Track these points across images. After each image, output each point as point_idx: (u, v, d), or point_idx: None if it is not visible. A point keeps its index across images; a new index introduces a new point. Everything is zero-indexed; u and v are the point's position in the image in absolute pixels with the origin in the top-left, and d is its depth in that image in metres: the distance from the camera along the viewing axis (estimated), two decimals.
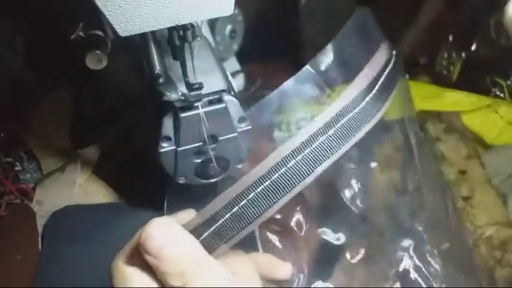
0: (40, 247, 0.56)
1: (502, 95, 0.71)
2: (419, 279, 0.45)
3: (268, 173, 0.28)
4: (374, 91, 0.32)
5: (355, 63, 0.37)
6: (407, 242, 0.47)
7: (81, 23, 0.44)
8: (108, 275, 0.29)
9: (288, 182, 0.28)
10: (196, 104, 0.39)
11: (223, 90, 0.42)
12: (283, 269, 0.38)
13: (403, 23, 0.74)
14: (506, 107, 0.67)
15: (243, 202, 0.28)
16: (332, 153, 0.29)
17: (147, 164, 0.45)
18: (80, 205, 0.59)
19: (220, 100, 0.41)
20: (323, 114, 0.30)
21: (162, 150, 0.42)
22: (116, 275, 0.29)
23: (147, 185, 0.41)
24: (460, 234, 0.54)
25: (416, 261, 0.46)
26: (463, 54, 0.73)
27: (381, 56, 0.36)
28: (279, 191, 0.28)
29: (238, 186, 0.29)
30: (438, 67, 0.77)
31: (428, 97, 0.69)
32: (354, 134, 0.30)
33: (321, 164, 0.28)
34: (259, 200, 0.28)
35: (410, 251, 0.46)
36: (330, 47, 0.39)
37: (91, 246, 0.53)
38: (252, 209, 0.28)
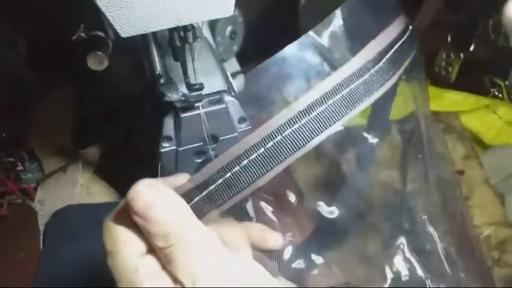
0: (41, 246, 0.56)
1: (500, 95, 0.71)
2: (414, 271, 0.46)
3: (262, 141, 0.27)
4: (380, 64, 0.30)
5: (363, 34, 0.34)
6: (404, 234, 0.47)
7: (82, 23, 0.44)
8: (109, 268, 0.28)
9: (282, 151, 0.27)
10: (196, 105, 0.40)
11: (223, 91, 0.42)
12: (274, 240, 0.38)
13: None
14: (504, 107, 0.68)
15: (236, 168, 0.27)
16: (330, 125, 0.28)
17: (148, 163, 0.46)
18: (81, 204, 0.59)
19: (220, 100, 0.41)
20: (323, 83, 0.29)
21: (162, 150, 0.43)
22: (105, 234, 0.28)
23: None
24: (465, 231, 0.54)
25: (411, 255, 0.46)
26: (462, 55, 0.73)
27: (394, 29, 0.33)
28: (273, 159, 0.27)
29: (232, 152, 0.28)
30: (437, 68, 0.77)
31: None
32: (354, 107, 0.28)
33: (317, 135, 0.27)
34: (253, 167, 0.27)
35: (405, 246, 0.46)
36: (337, 13, 0.38)
37: (92, 245, 0.53)
38: (245, 176, 0.27)
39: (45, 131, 0.66)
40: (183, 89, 0.39)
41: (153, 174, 0.47)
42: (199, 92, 0.38)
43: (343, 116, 0.28)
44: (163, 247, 0.26)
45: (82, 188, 0.61)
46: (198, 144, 0.43)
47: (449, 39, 0.75)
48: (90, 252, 0.53)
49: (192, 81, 0.39)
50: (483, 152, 0.67)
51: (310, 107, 0.27)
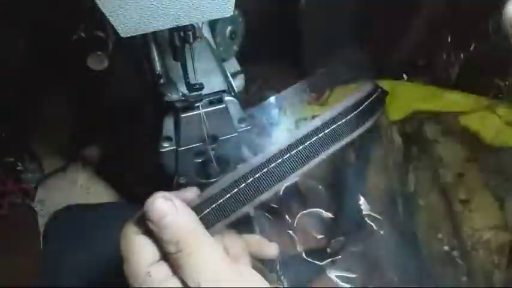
0: (42, 246, 0.56)
1: (500, 95, 0.71)
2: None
3: (265, 163, 0.32)
4: (348, 117, 0.37)
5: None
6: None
7: (82, 23, 0.44)
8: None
9: (282, 171, 0.32)
10: (196, 105, 0.40)
11: (223, 91, 0.42)
12: (270, 249, 0.41)
13: (403, 23, 0.74)
14: (504, 107, 0.67)
15: (242, 185, 0.32)
16: (318, 154, 0.34)
17: (148, 163, 0.46)
18: (81, 204, 0.59)
19: (220, 100, 0.41)
20: (317, 118, 0.35)
21: (162, 150, 0.43)
22: (122, 241, 0.31)
23: (148, 185, 0.41)
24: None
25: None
26: (462, 55, 0.73)
27: (364, 89, 0.41)
28: (274, 178, 0.32)
29: (239, 171, 0.32)
30: (437, 68, 0.77)
31: (427, 98, 0.69)
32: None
33: (310, 161, 0.33)
34: (257, 184, 0.32)
35: None
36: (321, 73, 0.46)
37: (92, 245, 0.53)
38: (249, 192, 0.32)
39: (45, 131, 0.66)
40: (183, 89, 0.39)
41: (153, 174, 0.47)
42: (199, 92, 0.38)
43: (327, 149, 0.34)
44: (174, 252, 0.29)
45: (82, 188, 0.61)
46: (198, 144, 0.43)
47: (449, 39, 0.75)
48: (89, 252, 0.53)
49: (192, 81, 0.39)
50: (483, 153, 0.67)
51: (306, 136, 0.34)
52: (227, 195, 0.32)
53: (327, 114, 0.36)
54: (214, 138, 0.43)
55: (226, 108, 0.41)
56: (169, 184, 0.46)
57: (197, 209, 0.32)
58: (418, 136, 0.65)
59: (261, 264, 0.41)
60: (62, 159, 0.65)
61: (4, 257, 0.55)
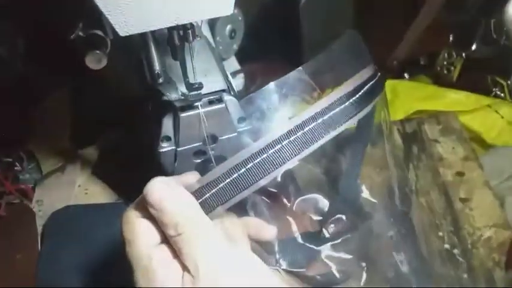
0: (39, 246, 0.56)
1: (502, 94, 0.71)
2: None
3: (264, 148, 0.33)
4: (347, 103, 0.37)
5: (341, 74, 0.43)
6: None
7: (81, 22, 0.43)
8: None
9: (282, 157, 0.33)
10: (196, 104, 0.40)
11: (223, 90, 0.42)
12: (268, 231, 0.41)
13: (404, 23, 0.74)
14: (506, 106, 0.67)
15: (242, 170, 0.32)
16: (317, 140, 0.35)
17: (147, 164, 0.45)
18: (80, 205, 0.59)
19: (220, 100, 0.41)
20: (316, 104, 0.36)
21: (162, 150, 0.43)
22: (124, 224, 0.31)
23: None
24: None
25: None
26: (464, 54, 0.73)
27: (363, 75, 0.41)
28: (273, 163, 0.33)
29: (239, 157, 0.33)
30: (438, 67, 0.77)
31: (428, 97, 0.69)
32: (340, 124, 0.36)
33: (309, 146, 0.34)
34: (256, 169, 0.32)
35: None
36: (321, 57, 0.46)
37: (90, 246, 0.53)
38: (249, 177, 0.32)
39: (43, 131, 0.66)
40: (182, 89, 0.39)
41: (152, 175, 0.46)
42: (199, 92, 0.38)
43: (324, 136, 0.35)
44: (174, 235, 0.30)
45: (80, 188, 0.61)
46: (197, 144, 0.43)
47: (451, 38, 0.75)
48: (88, 253, 0.53)
49: (192, 80, 0.38)
50: (484, 152, 0.67)
51: (305, 123, 0.34)
52: (227, 180, 0.32)
53: (325, 100, 0.36)
54: (213, 138, 0.43)
55: (225, 107, 0.41)
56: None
57: (197, 193, 0.32)
58: (418, 135, 0.65)
59: (260, 247, 0.41)
60: (60, 159, 0.64)
61: (2, 258, 0.55)
